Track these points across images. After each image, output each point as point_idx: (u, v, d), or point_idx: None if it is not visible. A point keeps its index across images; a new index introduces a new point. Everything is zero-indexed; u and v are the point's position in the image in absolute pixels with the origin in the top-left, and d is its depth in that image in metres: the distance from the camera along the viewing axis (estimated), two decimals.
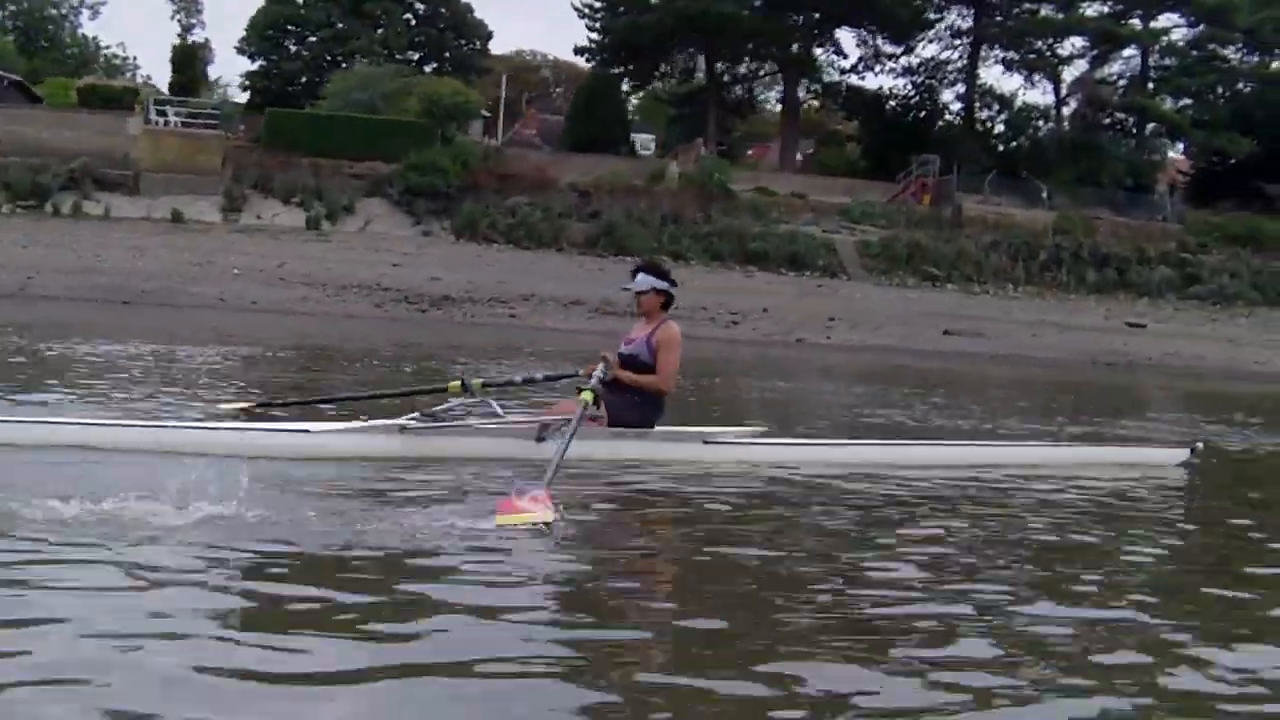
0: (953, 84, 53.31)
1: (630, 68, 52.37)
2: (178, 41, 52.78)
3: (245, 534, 3.99)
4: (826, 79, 53.79)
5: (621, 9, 49.88)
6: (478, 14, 54.36)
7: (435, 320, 24.01)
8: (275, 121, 39.05)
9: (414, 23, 53.52)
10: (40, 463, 5.09)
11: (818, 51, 52.77)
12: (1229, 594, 4.19)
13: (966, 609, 3.67)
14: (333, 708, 2.55)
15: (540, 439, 5.98)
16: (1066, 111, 51.97)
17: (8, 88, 41.94)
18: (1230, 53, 50.10)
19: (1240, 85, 49.97)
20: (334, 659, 2.82)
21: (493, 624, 3.19)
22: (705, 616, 3.39)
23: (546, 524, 4.40)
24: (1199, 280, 40.08)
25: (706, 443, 6.47)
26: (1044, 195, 43.79)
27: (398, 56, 49.93)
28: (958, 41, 52.29)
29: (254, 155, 37.19)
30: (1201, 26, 49.23)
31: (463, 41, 54.30)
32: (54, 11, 65.60)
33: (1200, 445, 7.84)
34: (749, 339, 24.55)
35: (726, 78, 53.35)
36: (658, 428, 6.45)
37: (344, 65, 46.36)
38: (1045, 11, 50.05)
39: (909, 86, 53.36)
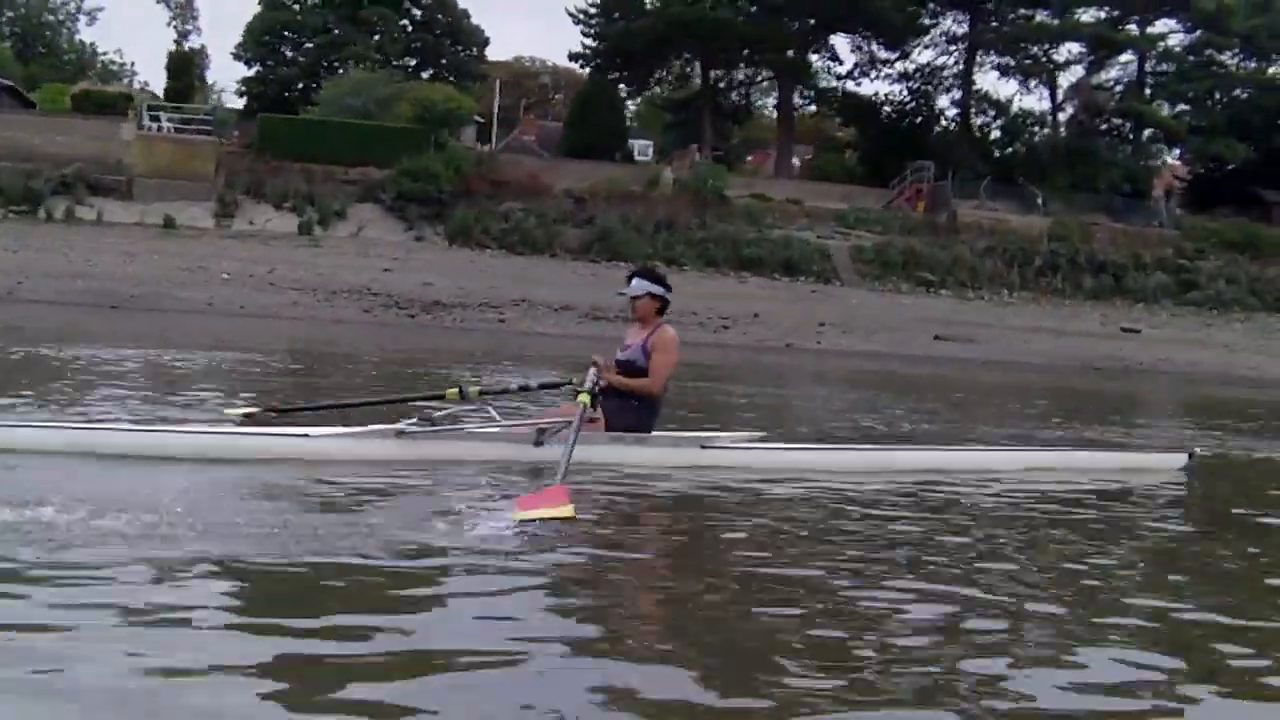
0: (948, 90, 53.35)
1: (626, 74, 52.35)
2: (173, 48, 52.93)
3: (242, 536, 4.02)
4: (822, 85, 53.82)
5: (616, 15, 49.93)
6: (475, 20, 54.56)
7: (424, 325, 23.94)
8: (268, 127, 39.05)
9: (410, 29, 53.63)
10: (37, 468, 5.09)
11: (813, 58, 52.86)
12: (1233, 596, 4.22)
13: (967, 613, 3.69)
14: (339, 698, 2.64)
15: (538, 443, 6.05)
16: (1063, 117, 51.96)
17: (1, 93, 41.95)
18: (1227, 58, 50.10)
19: (1237, 91, 49.96)
20: (340, 651, 2.94)
21: (492, 622, 3.27)
22: (702, 620, 3.44)
23: (567, 518, 4.53)
24: (1195, 286, 40.02)
25: (704, 447, 6.49)
26: (1039, 201, 43.73)
27: (394, 62, 50.00)
28: (953, 47, 52.35)
29: (247, 161, 37.20)
30: (1198, 32, 49.20)
31: (459, 48, 54.40)
32: (51, 18, 65.78)
33: (1198, 450, 7.88)
34: (739, 344, 24.47)
35: (722, 84, 53.37)
36: (655, 432, 6.46)
37: (340, 71, 46.40)
38: (1041, 17, 49.98)
39: (904, 92, 53.53)
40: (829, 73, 53.87)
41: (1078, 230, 41.54)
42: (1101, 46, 49.83)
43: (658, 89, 57.36)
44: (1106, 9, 50.10)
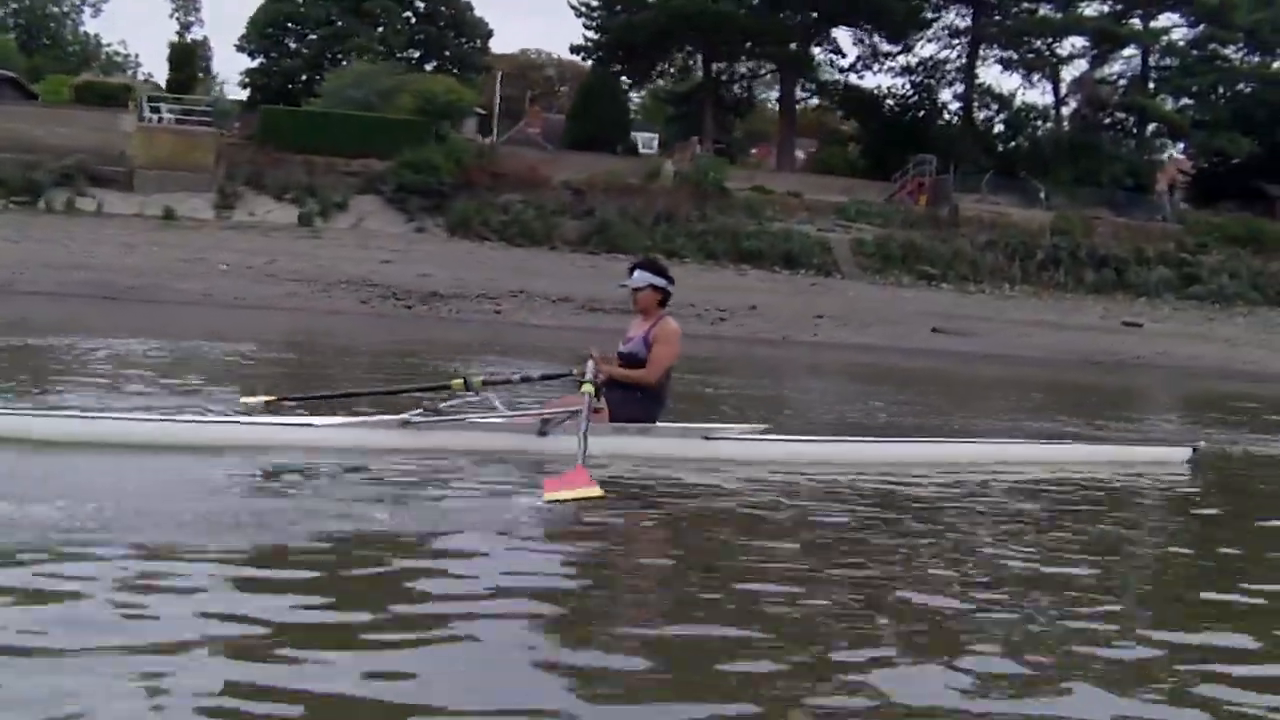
0: (951, 83, 53.18)
1: (627, 66, 52.25)
2: (176, 39, 52.98)
3: (250, 523, 4.10)
4: (824, 78, 53.68)
5: (618, 7, 49.83)
6: (478, 12, 54.57)
7: (420, 317, 23.96)
8: (270, 119, 39.07)
9: (414, 20, 53.60)
10: (42, 456, 5.13)
11: (815, 51, 52.63)
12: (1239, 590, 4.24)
13: (972, 606, 3.69)
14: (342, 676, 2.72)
15: (542, 433, 6.09)
16: (1066, 111, 51.82)
17: (3, 84, 42.00)
18: (1231, 52, 49.84)
19: (1241, 85, 49.69)
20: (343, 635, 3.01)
21: (497, 611, 3.32)
22: (705, 610, 3.46)
23: (597, 497, 4.72)
24: (1198, 280, 39.87)
25: (708, 439, 6.50)
26: (1042, 195, 43.61)
27: (397, 54, 49.97)
28: (956, 41, 52.13)
29: (248, 152, 37.19)
30: (1202, 26, 48.97)
31: (462, 40, 54.36)
32: (55, 9, 65.84)
33: (1202, 444, 7.88)
34: (735, 335, 24.47)
35: (724, 77, 53.25)
36: (660, 423, 6.47)
37: (344, 63, 46.42)
38: (1044, 11, 49.80)
39: (907, 86, 53.29)
40: (831, 66, 53.81)
41: (1080, 224, 41.42)
42: (1105, 40, 49.62)
43: (660, 82, 57.26)
44: (1110, 3, 49.94)
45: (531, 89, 63.67)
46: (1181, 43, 50.40)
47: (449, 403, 6.29)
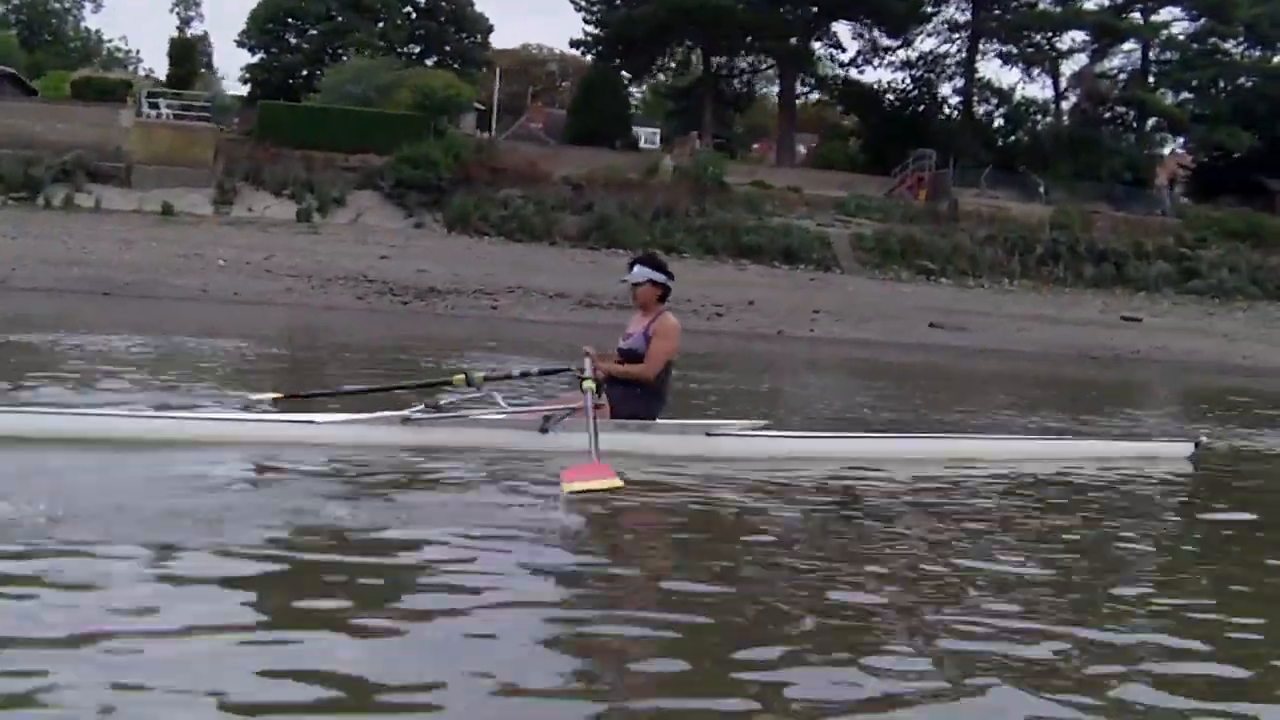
0: (951, 78, 53.04)
1: (627, 61, 52.18)
2: (176, 34, 52.96)
3: (248, 520, 4.11)
4: (824, 73, 53.59)
5: (618, 2, 49.78)
6: (478, 7, 54.49)
7: (416, 312, 23.93)
8: (269, 114, 39.06)
9: (414, 16, 53.61)
10: (45, 453, 5.12)
11: (815, 45, 52.56)
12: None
13: (976, 602, 3.69)
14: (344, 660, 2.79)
15: (544, 429, 6.09)
16: (1066, 106, 51.75)
17: (2, 80, 41.99)
18: (1231, 46, 49.82)
19: (1241, 79, 49.58)
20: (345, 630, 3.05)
21: (496, 606, 3.34)
22: (705, 606, 3.46)
23: (616, 489, 4.79)
24: (1197, 275, 39.83)
25: (709, 435, 6.52)
26: (1041, 190, 43.55)
27: (398, 50, 49.97)
28: (955, 35, 51.99)
29: (246, 148, 37.16)
30: (1202, 20, 48.91)
31: (463, 35, 54.33)
32: (57, 5, 65.83)
33: (1204, 439, 7.88)
34: (732, 330, 24.45)
35: (724, 71, 53.18)
36: (660, 420, 6.48)
37: (344, 58, 46.41)
38: (1044, 5, 49.77)
39: (907, 80, 53.20)
40: (831, 60, 53.77)
41: (1079, 219, 41.37)
42: (1105, 34, 49.53)
43: (660, 76, 57.17)
44: None
45: (534, 84, 63.63)
46: (1182, 37, 50.30)
47: (450, 399, 6.29)
